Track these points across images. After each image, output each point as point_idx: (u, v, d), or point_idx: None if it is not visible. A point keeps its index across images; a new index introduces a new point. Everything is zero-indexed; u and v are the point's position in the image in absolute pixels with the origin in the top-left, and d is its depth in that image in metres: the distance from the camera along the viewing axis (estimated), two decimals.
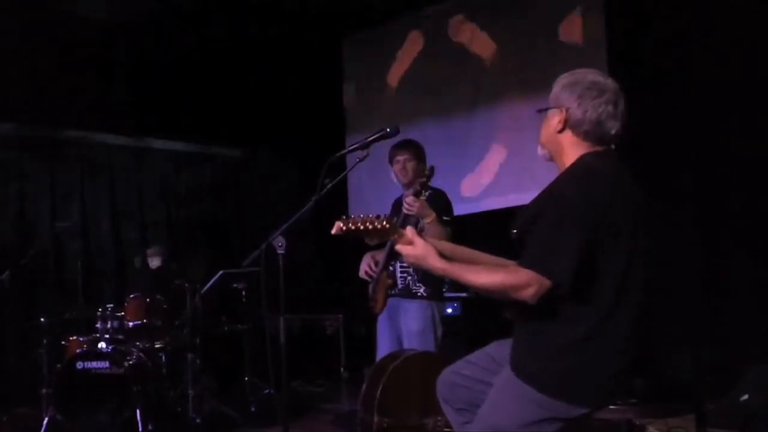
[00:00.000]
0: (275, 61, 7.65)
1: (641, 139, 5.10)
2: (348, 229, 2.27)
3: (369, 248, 4.01)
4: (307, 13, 6.84)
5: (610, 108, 2.21)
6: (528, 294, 2.06)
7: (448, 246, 2.49)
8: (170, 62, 7.27)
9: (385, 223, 2.27)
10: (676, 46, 5.31)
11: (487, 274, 2.19)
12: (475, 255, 2.49)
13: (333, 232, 2.28)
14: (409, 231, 2.29)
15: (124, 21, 6.28)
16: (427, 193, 3.57)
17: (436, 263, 2.22)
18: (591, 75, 2.27)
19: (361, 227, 2.26)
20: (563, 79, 2.30)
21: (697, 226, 5.24)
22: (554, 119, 2.28)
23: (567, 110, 2.24)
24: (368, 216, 2.27)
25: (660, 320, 5.11)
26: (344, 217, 2.29)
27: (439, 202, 3.81)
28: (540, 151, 2.39)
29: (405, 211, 3.62)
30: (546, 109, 2.33)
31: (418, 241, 2.25)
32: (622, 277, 2.14)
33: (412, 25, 7.32)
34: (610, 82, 2.25)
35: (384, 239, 2.34)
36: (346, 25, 7.54)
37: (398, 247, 2.29)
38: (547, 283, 2.05)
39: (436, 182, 3.99)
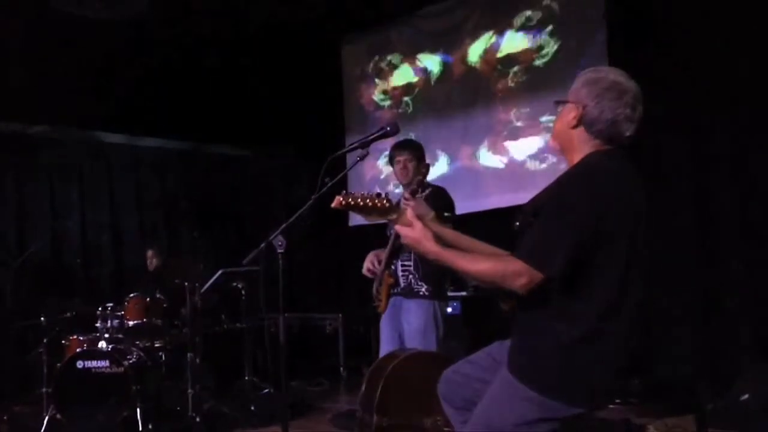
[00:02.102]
0: (274, 61, 7.65)
1: (641, 141, 5.11)
2: (348, 203, 2.26)
3: (370, 248, 4.03)
4: (307, 13, 6.83)
5: (627, 111, 2.19)
6: (518, 284, 2.05)
7: (450, 233, 2.47)
8: (169, 61, 7.27)
9: (385, 201, 2.27)
10: (676, 47, 5.31)
11: (479, 262, 2.19)
12: (477, 245, 2.47)
13: (333, 205, 2.27)
14: (409, 213, 2.30)
15: (124, 20, 6.28)
16: (425, 192, 3.56)
17: (430, 247, 2.23)
18: (613, 74, 2.24)
19: (361, 203, 2.26)
20: (585, 75, 2.27)
21: (696, 225, 5.24)
22: (570, 114, 2.26)
23: (584, 107, 2.22)
24: (369, 193, 2.28)
25: (659, 320, 5.12)
26: (345, 191, 2.28)
27: (440, 199, 3.79)
28: (551, 142, 2.38)
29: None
30: (564, 102, 2.30)
31: (417, 223, 2.26)
32: (621, 277, 2.13)
33: (411, 25, 7.32)
34: (632, 85, 2.22)
35: (383, 218, 2.34)
36: (345, 24, 7.54)
37: (397, 227, 2.30)
38: (538, 275, 2.04)
39: (435, 181, 3.99)
